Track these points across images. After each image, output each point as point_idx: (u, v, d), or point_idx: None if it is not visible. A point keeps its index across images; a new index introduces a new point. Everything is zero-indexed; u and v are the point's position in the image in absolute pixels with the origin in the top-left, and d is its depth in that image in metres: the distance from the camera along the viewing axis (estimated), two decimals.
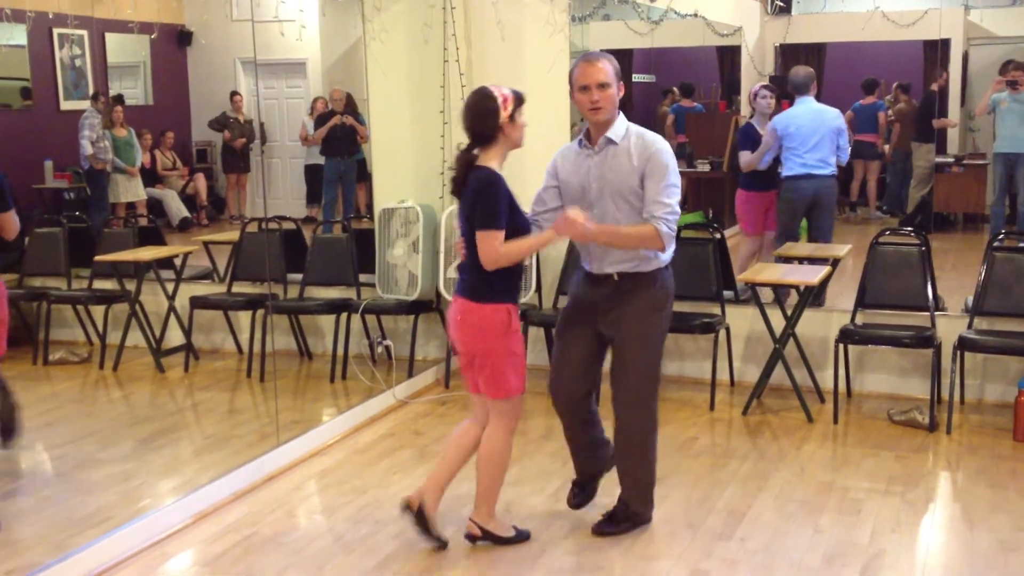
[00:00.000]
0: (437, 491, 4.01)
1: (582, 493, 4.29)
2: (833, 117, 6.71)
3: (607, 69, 3.83)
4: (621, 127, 3.91)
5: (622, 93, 3.89)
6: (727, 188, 9.04)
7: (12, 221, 4.64)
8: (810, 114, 6.69)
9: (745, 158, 7.00)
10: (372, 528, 4.25)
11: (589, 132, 3.95)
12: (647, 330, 3.98)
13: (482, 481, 3.99)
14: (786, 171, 6.75)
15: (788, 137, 6.69)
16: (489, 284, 3.79)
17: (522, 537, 4.08)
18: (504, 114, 3.74)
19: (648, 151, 3.85)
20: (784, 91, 8.85)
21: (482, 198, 3.72)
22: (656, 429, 4.10)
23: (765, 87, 7.15)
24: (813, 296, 5.75)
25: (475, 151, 3.80)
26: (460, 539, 4.10)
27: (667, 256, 3.96)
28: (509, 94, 3.78)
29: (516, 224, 3.78)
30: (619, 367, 4.02)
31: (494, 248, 3.70)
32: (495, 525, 4.05)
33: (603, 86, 3.82)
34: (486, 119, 3.75)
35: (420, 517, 3.98)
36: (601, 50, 4.01)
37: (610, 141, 3.89)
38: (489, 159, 3.80)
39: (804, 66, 7.05)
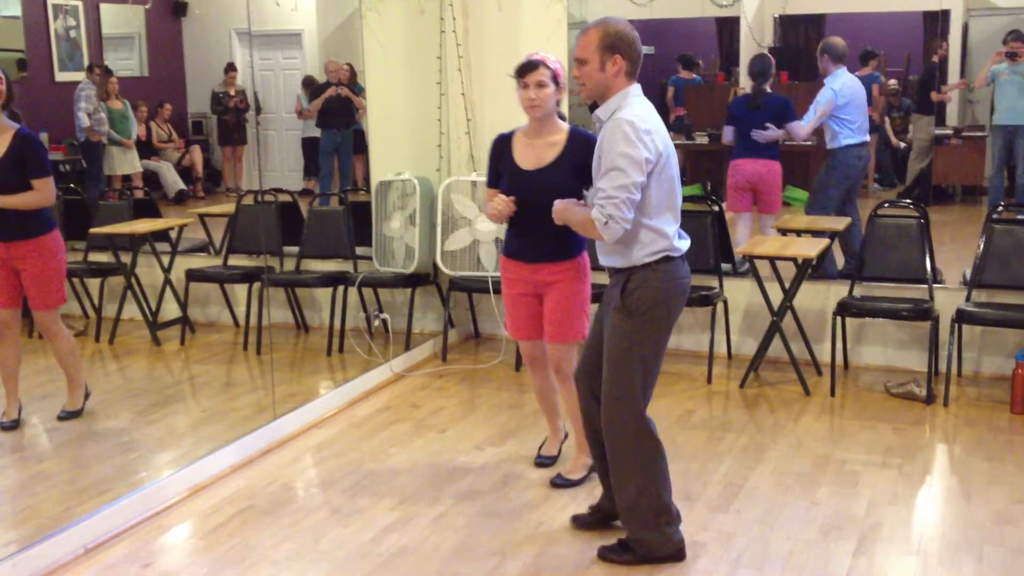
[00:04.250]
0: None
1: (590, 518, 3.96)
2: (862, 87, 6.73)
3: (587, 44, 3.48)
4: (614, 104, 3.50)
5: (617, 68, 3.46)
6: (725, 160, 9.01)
7: (50, 187, 4.89)
8: (854, 83, 6.69)
9: (801, 128, 6.74)
10: (369, 501, 4.25)
11: None
12: (610, 328, 3.60)
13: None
14: (844, 139, 6.63)
15: (848, 105, 6.60)
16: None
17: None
18: None
19: (607, 129, 3.46)
20: (779, 64, 8.74)
21: None
22: (648, 447, 3.61)
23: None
24: (814, 266, 5.73)
25: None
26: (453, 511, 4.11)
27: (649, 253, 3.52)
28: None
29: (505, 190, 4.15)
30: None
31: (485, 199, 4.36)
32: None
33: (581, 62, 3.50)
34: None
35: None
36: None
37: (598, 120, 3.56)
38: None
39: (839, 37, 6.97)
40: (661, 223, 3.52)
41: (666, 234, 3.53)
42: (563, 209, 3.72)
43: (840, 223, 6.28)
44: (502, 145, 4.20)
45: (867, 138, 6.72)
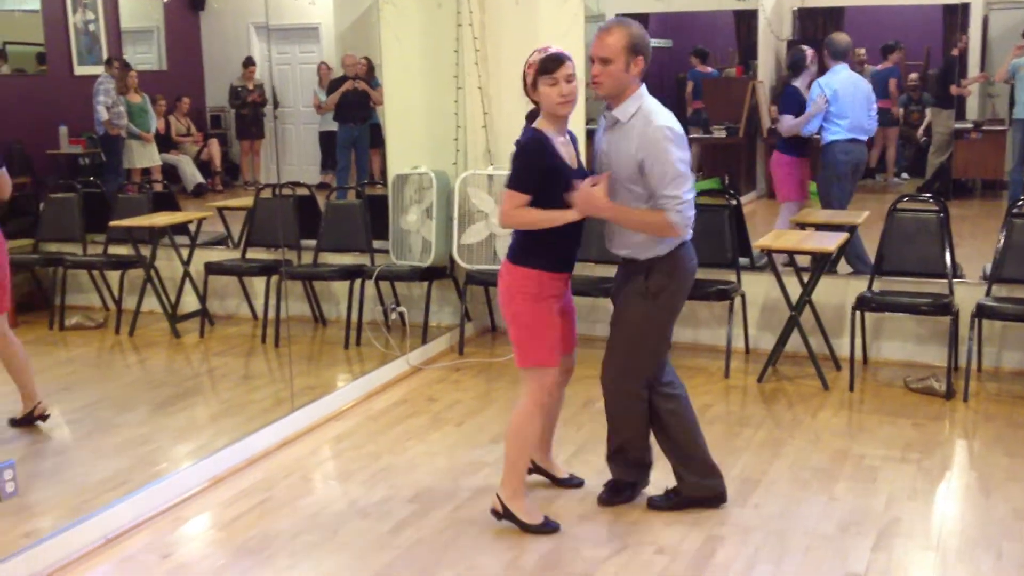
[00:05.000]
0: (543, 449, 4.23)
1: (665, 502, 4.10)
2: (867, 87, 6.76)
3: (612, 44, 3.62)
4: (632, 106, 3.69)
5: (638, 69, 3.66)
6: (743, 154, 8.98)
7: (4, 180, 4.65)
8: (851, 80, 6.68)
9: (789, 122, 6.81)
10: (386, 493, 4.27)
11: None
12: (631, 317, 3.86)
13: (507, 455, 3.86)
14: (830, 136, 6.66)
15: (836, 102, 6.62)
16: (525, 247, 3.75)
17: (549, 528, 3.86)
18: (527, 82, 3.72)
19: (646, 140, 3.62)
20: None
21: (514, 159, 3.74)
22: (636, 407, 3.92)
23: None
24: (828, 263, 5.71)
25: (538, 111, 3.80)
26: (470, 503, 4.11)
27: (668, 244, 3.75)
28: (535, 60, 3.69)
29: (550, 195, 3.68)
30: (607, 348, 3.95)
31: (509, 207, 3.71)
32: (518, 506, 3.86)
33: (604, 61, 3.63)
34: (522, 82, 3.78)
35: (541, 472, 4.24)
36: (621, 15, 3.80)
37: (616, 121, 3.72)
38: (542, 122, 3.76)
39: (843, 33, 6.97)
40: None
41: None
42: (616, 210, 3.72)
43: (859, 217, 6.25)
44: (547, 145, 3.72)
45: (859, 136, 6.69)
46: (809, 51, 7.03)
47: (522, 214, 3.70)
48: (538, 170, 3.69)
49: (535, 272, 3.74)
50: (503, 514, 3.88)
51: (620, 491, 4.11)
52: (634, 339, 3.87)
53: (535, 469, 4.23)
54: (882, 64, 8.88)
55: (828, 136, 6.67)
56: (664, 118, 3.67)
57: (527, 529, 3.84)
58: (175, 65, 8.78)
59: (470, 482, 4.34)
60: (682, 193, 3.63)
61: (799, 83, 6.88)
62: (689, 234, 3.78)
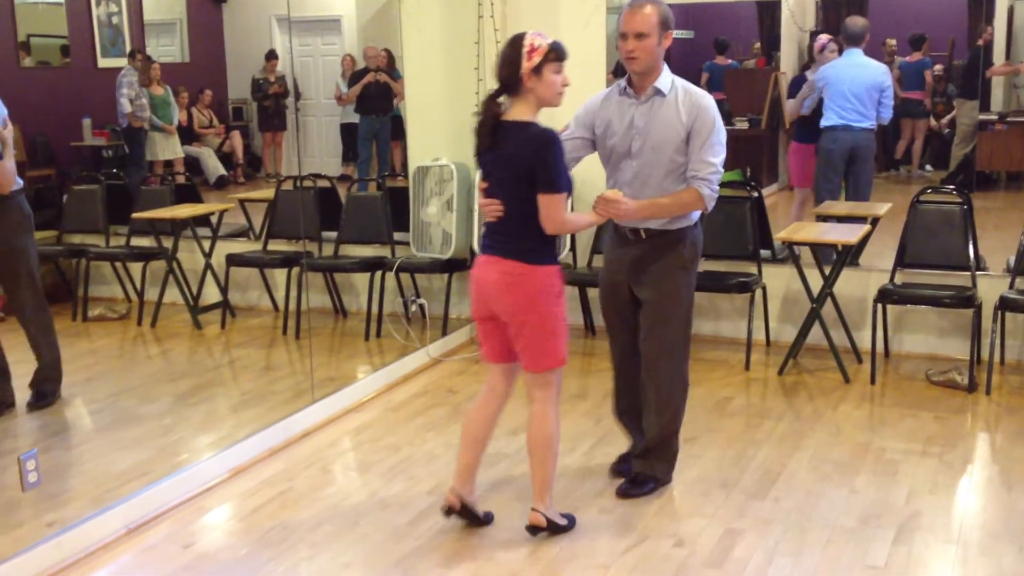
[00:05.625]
0: (471, 480, 3.81)
1: (620, 465, 4.35)
2: (875, 73, 6.64)
3: (647, 19, 3.75)
4: (667, 79, 3.86)
5: (668, 43, 3.82)
6: (765, 146, 8.93)
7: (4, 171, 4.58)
8: (852, 67, 6.64)
9: (788, 107, 7.13)
10: (406, 484, 4.28)
11: (632, 80, 3.89)
12: (676, 290, 3.96)
13: (542, 468, 3.66)
14: (823, 122, 6.72)
15: (826, 88, 6.65)
16: (543, 244, 3.54)
17: (573, 523, 3.83)
18: (526, 64, 3.42)
19: (696, 107, 3.80)
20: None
21: (546, 158, 3.43)
22: (687, 393, 4.10)
23: (834, 40, 7.04)
24: (849, 255, 5.68)
25: (500, 99, 3.53)
26: (489, 495, 4.11)
27: (696, 214, 3.96)
28: (542, 44, 3.43)
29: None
30: (650, 329, 3.98)
31: (560, 214, 3.47)
32: (555, 513, 3.77)
33: (640, 36, 3.76)
34: (506, 66, 3.47)
35: (466, 512, 3.80)
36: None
37: (658, 92, 3.84)
38: (521, 112, 3.51)
39: (861, 17, 6.96)
40: None
41: None
42: (646, 207, 3.79)
43: (881, 208, 6.22)
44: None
45: (853, 122, 6.67)
46: (820, 39, 7.06)
47: (574, 220, 3.74)
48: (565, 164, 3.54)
49: (557, 268, 3.59)
50: (546, 527, 3.73)
51: (641, 484, 4.12)
52: (685, 316, 4.00)
53: (458, 511, 3.80)
54: (911, 55, 8.80)
55: (821, 123, 6.77)
56: (698, 89, 3.89)
57: (563, 531, 3.78)
58: (198, 57, 8.80)
59: (489, 474, 4.35)
60: (719, 162, 3.81)
61: (810, 72, 7.03)
62: (698, 212, 3.95)
